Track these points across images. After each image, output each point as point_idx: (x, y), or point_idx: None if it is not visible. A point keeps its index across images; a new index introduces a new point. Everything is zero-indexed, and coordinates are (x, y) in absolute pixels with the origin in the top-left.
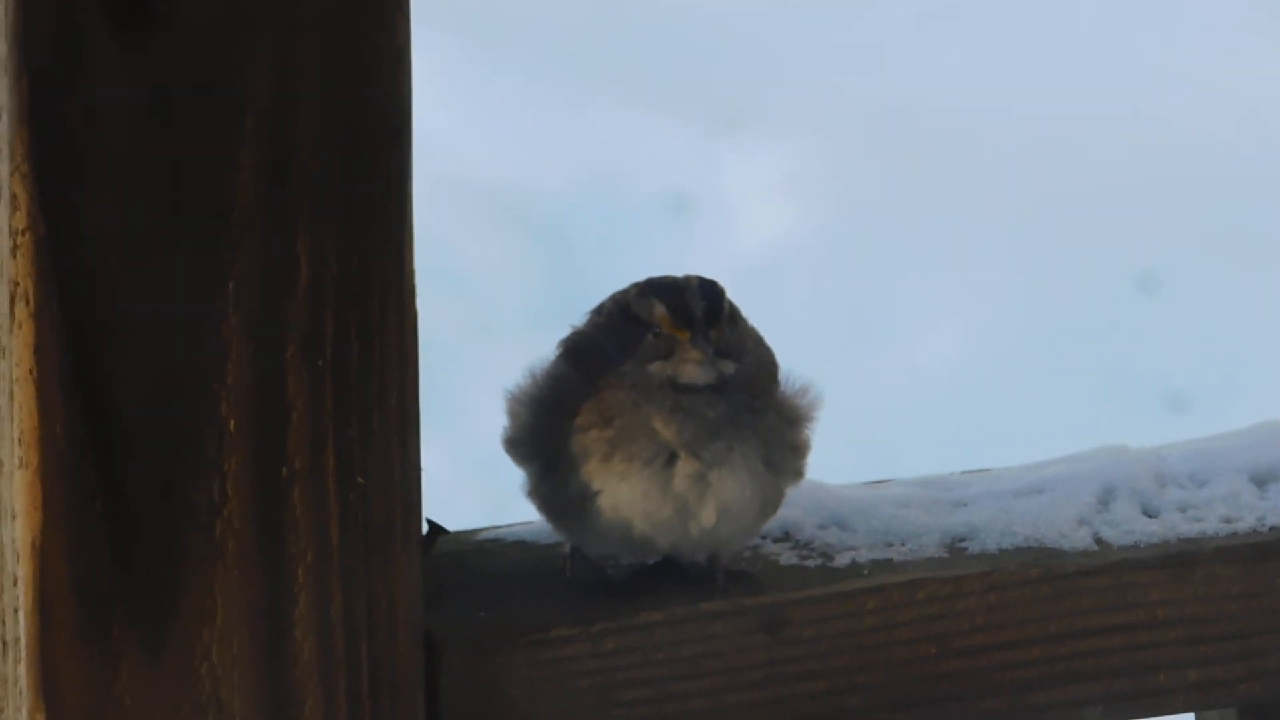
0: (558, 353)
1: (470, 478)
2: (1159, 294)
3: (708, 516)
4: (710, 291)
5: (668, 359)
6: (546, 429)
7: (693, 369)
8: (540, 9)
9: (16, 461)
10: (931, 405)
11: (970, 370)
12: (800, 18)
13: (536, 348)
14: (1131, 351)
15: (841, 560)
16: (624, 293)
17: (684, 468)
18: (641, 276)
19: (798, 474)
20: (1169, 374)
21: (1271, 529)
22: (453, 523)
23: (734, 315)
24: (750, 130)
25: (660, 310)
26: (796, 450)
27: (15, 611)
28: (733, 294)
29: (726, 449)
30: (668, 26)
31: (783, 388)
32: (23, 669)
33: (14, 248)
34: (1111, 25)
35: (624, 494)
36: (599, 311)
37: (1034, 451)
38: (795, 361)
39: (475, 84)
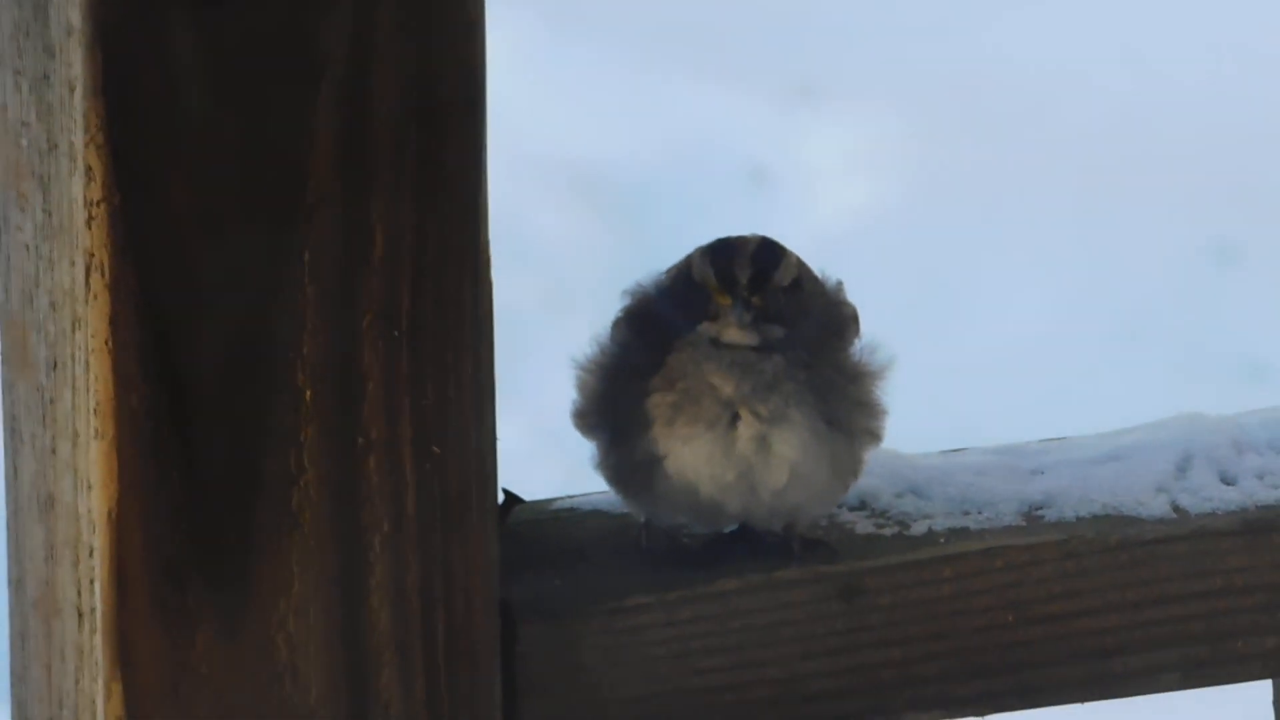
0: (619, 315)
1: (547, 450)
2: (1237, 264)
3: (776, 478)
4: (762, 255)
5: (715, 320)
6: (613, 397)
7: (734, 332)
8: None
9: (92, 432)
10: (1009, 374)
11: (1047, 339)
12: None
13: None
14: (1209, 321)
15: (918, 529)
16: (690, 256)
17: (745, 430)
18: None
19: (872, 435)
20: (1247, 344)
21: None
22: (530, 495)
23: (798, 280)
24: (827, 102)
25: (709, 274)
26: (865, 408)
27: (91, 582)
28: (810, 262)
29: (784, 406)
30: None
31: (853, 348)
32: (99, 639)
33: (89, 219)
34: None
35: (688, 457)
36: (670, 271)
37: (1111, 422)
38: (873, 331)
39: (552, 58)
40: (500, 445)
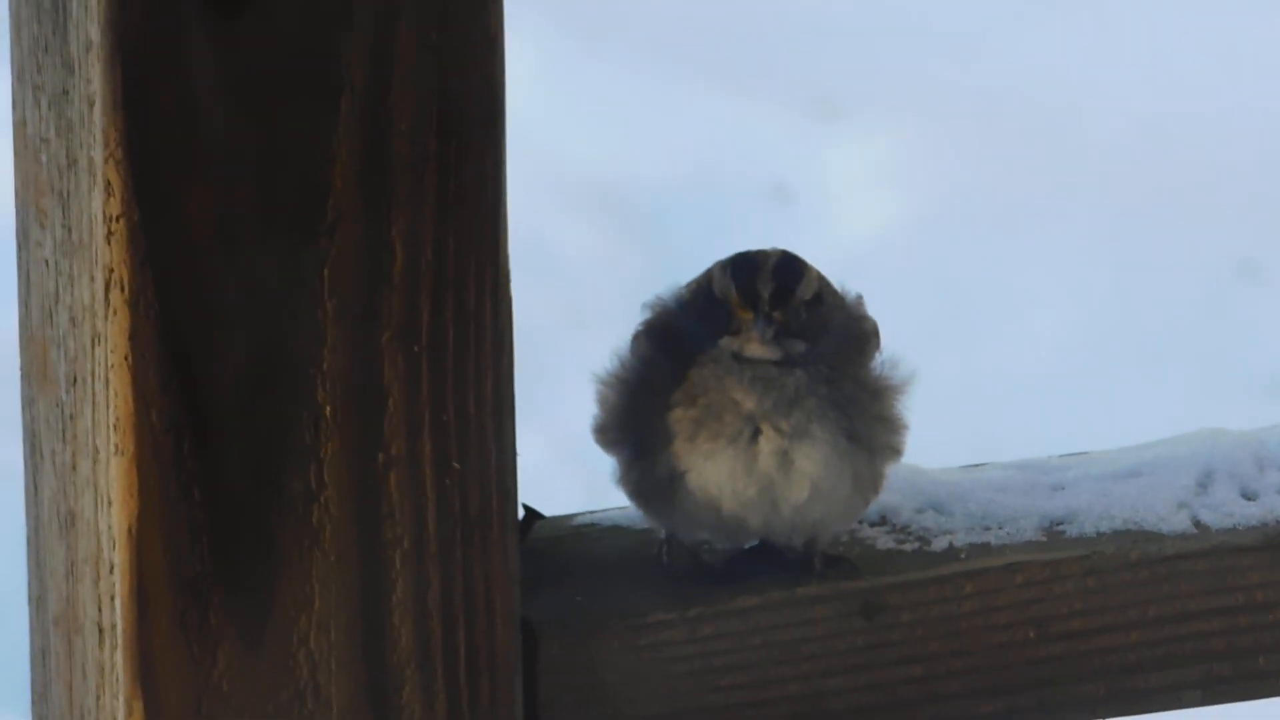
0: (639, 329)
1: (568, 466)
2: (1260, 280)
3: (797, 493)
4: (783, 270)
5: (736, 335)
6: (634, 412)
7: (756, 347)
8: None
9: (112, 448)
10: (1030, 390)
11: (1069, 355)
12: (900, 4)
13: None
14: (1231, 337)
15: (939, 544)
16: (710, 270)
17: (767, 445)
18: None
19: (893, 450)
20: (1269, 360)
21: None
22: (551, 510)
23: (819, 294)
24: (850, 118)
25: (731, 289)
26: (886, 423)
27: (112, 599)
28: (832, 277)
29: (806, 421)
30: (766, 13)
31: (874, 362)
32: (119, 656)
33: (108, 234)
34: (1212, 11)
35: (710, 473)
36: (690, 286)
37: (1132, 437)
38: (894, 345)
39: (574, 73)
40: (520, 461)
